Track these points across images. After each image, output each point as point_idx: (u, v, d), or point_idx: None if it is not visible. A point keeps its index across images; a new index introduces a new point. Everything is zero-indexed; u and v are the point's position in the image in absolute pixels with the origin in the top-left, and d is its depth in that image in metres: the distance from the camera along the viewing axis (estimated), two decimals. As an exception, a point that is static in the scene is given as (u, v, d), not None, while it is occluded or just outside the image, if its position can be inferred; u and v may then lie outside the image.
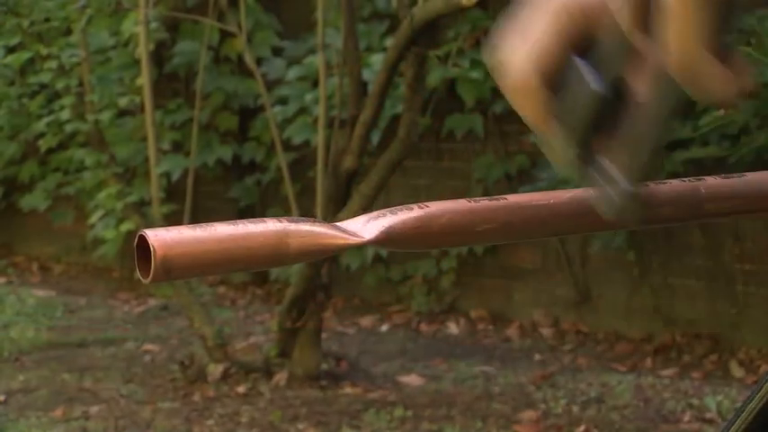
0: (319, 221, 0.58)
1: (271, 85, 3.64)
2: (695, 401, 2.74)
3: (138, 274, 0.56)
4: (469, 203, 0.61)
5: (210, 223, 0.56)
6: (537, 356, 3.21)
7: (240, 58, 3.69)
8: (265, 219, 0.57)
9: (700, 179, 0.64)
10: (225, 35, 3.75)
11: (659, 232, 3.22)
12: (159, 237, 0.54)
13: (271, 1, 3.93)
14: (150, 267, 0.54)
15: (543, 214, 0.62)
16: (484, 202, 0.61)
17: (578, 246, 3.42)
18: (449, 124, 3.56)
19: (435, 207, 0.60)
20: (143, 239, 0.54)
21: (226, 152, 3.94)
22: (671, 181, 0.65)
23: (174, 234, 0.54)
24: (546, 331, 3.44)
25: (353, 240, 0.57)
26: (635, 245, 3.28)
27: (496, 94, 3.47)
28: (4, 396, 2.82)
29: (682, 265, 3.24)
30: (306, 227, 0.57)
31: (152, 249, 0.54)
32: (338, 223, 0.58)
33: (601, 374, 2.97)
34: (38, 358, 3.20)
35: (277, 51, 3.88)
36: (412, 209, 0.60)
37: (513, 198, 0.62)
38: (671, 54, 0.46)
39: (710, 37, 0.46)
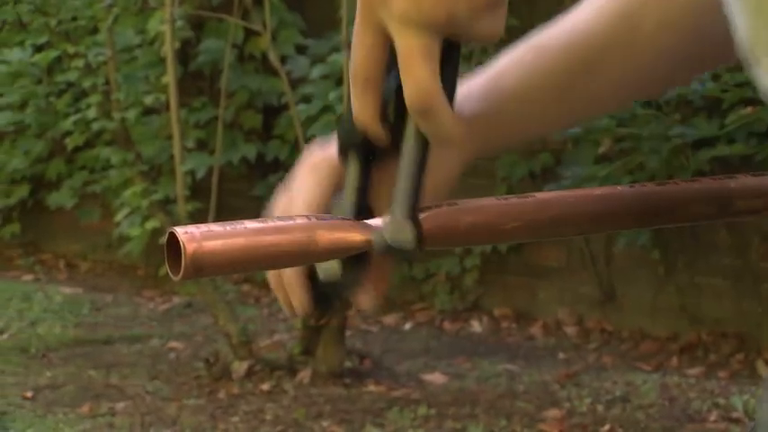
0: (347, 218, 0.58)
1: (295, 84, 3.64)
2: (721, 401, 2.72)
3: (167, 270, 0.55)
4: (497, 201, 0.61)
5: (240, 220, 0.56)
6: (561, 355, 3.20)
7: (264, 57, 3.70)
8: (294, 216, 0.57)
9: (730, 177, 0.64)
10: (249, 33, 3.76)
11: (685, 231, 3.20)
12: (189, 234, 0.54)
13: (295, -1, 3.94)
14: (180, 265, 0.54)
15: (571, 212, 0.62)
16: (512, 200, 0.61)
17: (603, 244, 3.40)
18: (473, 122, 3.55)
19: (463, 205, 0.60)
20: (173, 237, 0.54)
21: (250, 150, 3.95)
22: (701, 179, 0.64)
23: (204, 231, 0.54)
24: (570, 330, 3.43)
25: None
26: (660, 243, 3.26)
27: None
28: (32, 392, 2.85)
29: (708, 263, 3.21)
30: (333, 223, 0.57)
31: (182, 246, 0.53)
32: (366, 220, 0.58)
33: (626, 373, 2.95)
34: (65, 355, 3.22)
35: (301, 50, 3.89)
36: (440, 206, 0.60)
37: (540, 196, 0.62)
38: (408, 98, 0.53)
39: (438, 80, 0.52)
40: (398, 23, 0.51)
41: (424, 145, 0.56)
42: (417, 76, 0.52)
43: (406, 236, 0.55)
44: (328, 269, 0.57)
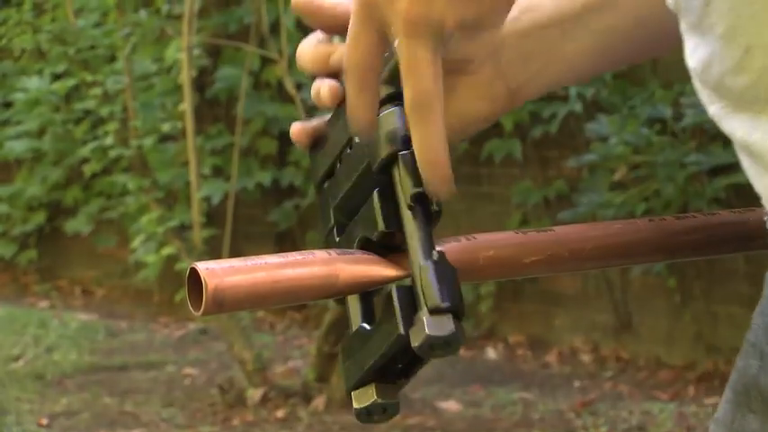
0: (368, 253, 0.58)
1: (310, 110, 3.66)
2: (739, 431, 2.69)
3: (189, 306, 0.56)
4: (517, 235, 0.61)
5: (260, 255, 0.56)
6: (577, 383, 3.18)
7: (280, 84, 3.72)
8: (314, 251, 0.57)
9: (750, 210, 0.64)
10: (265, 61, 3.79)
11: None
12: (210, 270, 0.54)
13: (311, 27, 3.96)
14: (201, 300, 0.54)
15: (592, 246, 0.61)
16: (531, 234, 0.61)
17: (619, 271, 3.39)
18: (487, 149, 3.56)
19: (482, 238, 0.59)
20: (194, 272, 0.54)
21: (265, 177, 3.96)
22: (720, 212, 0.64)
23: (225, 266, 0.54)
24: (586, 357, 3.41)
25: (402, 272, 0.57)
26: (676, 271, 3.25)
27: (535, 118, 3.46)
28: (48, 419, 2.85)
29: (724, 291, 3.19)
30: (355, 258, 0.57)
31: (203, 282, 0.53)
32: (388, 257, 0.58)
33: (642, 402, 2.93)
34: (80, 382, 3.23)
35: (316, 77, 3.91)
36: (459, 240, 0.59)
37: (560, 230, 0.61)
38: (409, 96, 0.50)
39: (440, 84, 0.50)
40: (405, 26, 0.49)
41: (428, 218, 0.53)
42: (421, 75, 0.49)
43: (450, 332, 0.51)
44: (363, 397, 0.55)
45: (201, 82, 3.95)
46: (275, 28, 3.48)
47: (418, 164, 0.52)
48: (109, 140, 3.52)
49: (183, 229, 3.49)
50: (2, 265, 4.75)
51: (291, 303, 0.58)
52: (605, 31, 0.59)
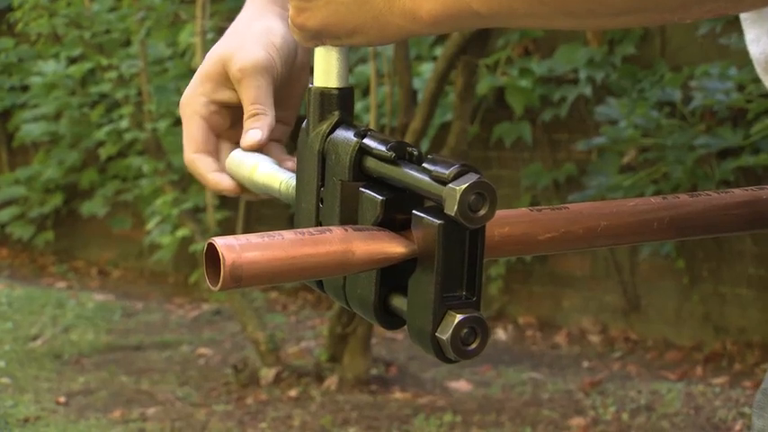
0: (384, 230, 0.58)
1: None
2: (747, 410, 2.72)
3: (206, 281, 0.56)
4: (531, 212, 0.60)
5: (277, 231, 0.56)
6: (585, 363, 3.21)
7: (292, 68, 3.73)
8: (330, 227, 0.57)
9: (761, 188, 0.63)
10: (278, 45, 3.80)
11: (709, 240, 3.20)
12: (228, 245, 0.54)
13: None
14: (219, 275, 0.54)
15: (606, 224, 0.61)
16: (546, 212, 0.60)
17: (627, 253, 3.41)
18: (497, 132, 3.58)
19: (497, 215, 0.57)
20: (212, 248, 0.54)
21: (278, 159, 3.98)
22: (733, 190, 0.64)
23: (243, 242, 0.54)
24: (594, 338, 3.43)
25: (415, 248, 0.57)
26: (685, 252, 3.27)
27: (545, 102, 3.48)
28: (65, 398, 2.90)
29: (733, 272, 3.21)
30: (371, 234, 0.57)
31: (221, 257, 0.53)
32: (402, 231, 0.58)
33: (650, 382, 2.96)
34: (97, 361, 3.28)
35: (328, 61, 3.92)
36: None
37: (574, 207, 0.61)
38: None
39: None
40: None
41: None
42: None
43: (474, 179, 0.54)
44: (446, 327, 0.57)
45: (215, 66, 3.96)
46: (288, 12, 3.49)
47: None
48: (124, 124, 3.55)
49: (197, 211, 3.52)
50: (20, 246, 4.80)
51: (308, 279, 0.58)
52: None
